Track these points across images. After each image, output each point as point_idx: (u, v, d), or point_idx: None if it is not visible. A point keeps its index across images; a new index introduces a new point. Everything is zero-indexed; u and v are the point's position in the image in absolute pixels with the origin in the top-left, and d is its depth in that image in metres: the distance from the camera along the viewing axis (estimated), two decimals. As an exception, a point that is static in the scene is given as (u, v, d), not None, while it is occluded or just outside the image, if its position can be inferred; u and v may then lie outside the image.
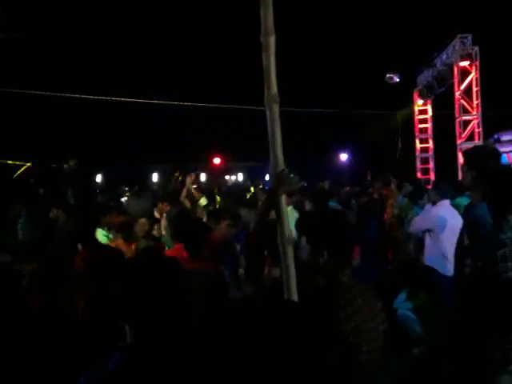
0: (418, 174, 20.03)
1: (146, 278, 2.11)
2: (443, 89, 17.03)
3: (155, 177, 34.46)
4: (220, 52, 26.87)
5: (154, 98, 22.03)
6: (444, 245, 6.10)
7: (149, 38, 25.29)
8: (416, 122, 20.52)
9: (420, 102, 20.06)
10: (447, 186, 6.56)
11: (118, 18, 24.23)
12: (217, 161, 33.56)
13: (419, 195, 8.30)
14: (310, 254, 2.56)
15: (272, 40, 2.89)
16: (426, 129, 20.42)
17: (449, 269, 6.09)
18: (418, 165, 20.43)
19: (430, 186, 9.79)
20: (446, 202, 6.30)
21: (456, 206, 6.27)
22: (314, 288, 2.57)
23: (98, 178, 34.70)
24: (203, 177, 35.95)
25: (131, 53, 27.06)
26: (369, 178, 18.63)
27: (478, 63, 14.90)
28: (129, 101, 21.15)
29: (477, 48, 14.89)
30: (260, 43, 2.92)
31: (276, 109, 2.98)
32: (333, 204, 8.61)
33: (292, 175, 5.91)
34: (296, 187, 2.48)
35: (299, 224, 2.83)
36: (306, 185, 15.01)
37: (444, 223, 6.09)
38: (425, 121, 20.39)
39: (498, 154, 3.86)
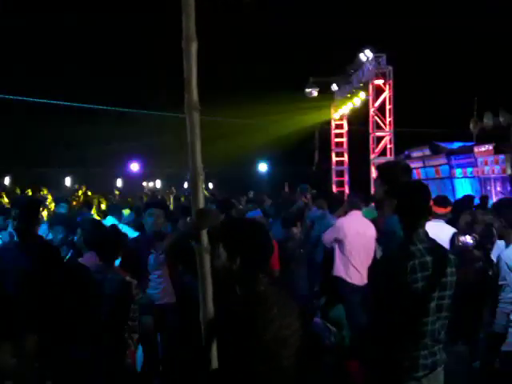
0: (334, 187, 20.62)
1: (47, 289, 2.00)
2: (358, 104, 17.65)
3: (68, 181, 33.20)
4: (142, 57, 26.47)
5: (71, 100, 21.27)
6: (351, 254, 6.27)
7: (62, 41, 24.53)
8: (332, 136, 21.14)
9: (336, 116, 20.69)
10: (358, 198, 6.78)
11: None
12: (135, 167, 32.91)
13: (336, 207, 8.50)
14: (225, 261, 2.56)
15: (194, 46, 2.85)
16: (341, 143, 21.09)
17: (355, 278, 6.28)
18: (334, 177, 21.04)
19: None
20: (357, 213, 6.48)
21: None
22: (230, 296, 2.55)
23: (6, 180, 32.98)
24: (119, 183, 35.10)
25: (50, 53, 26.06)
26: (286, 189, 18.98)
27: (391, 82, 15.57)
28: (44, 102, 20.28)
29: (391, 68, 15.56)
30: (181, 49, 2.88)
31: (196, 116, 2.95)
32: (256, 214, 8.62)
33: (213, 208, 5.90)
34: (217, 222, 2.49)
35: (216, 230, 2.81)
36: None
37: (350, 233, 6.26)
38: (341, 135, 21.06)
39: (410, 170, 4.03)
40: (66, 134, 27.46)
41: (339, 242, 6.37)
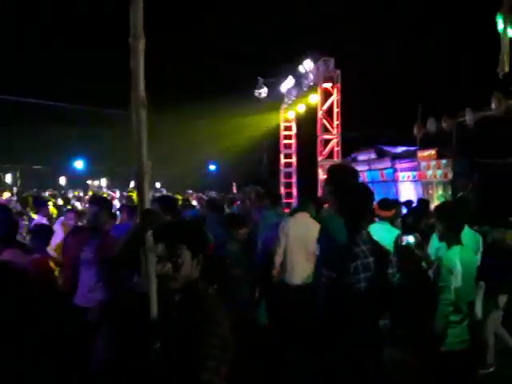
0: (282, 188, 20.79)
1: None
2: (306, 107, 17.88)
3: (8, 178, 32.08)
4: (87, 52, 25.85)
5: (16, 95, 20.57)
6: (292, 255, 6.31)
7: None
8: (281, 137, 21.31)
9: (285, 118, 20.87)
10: (306, 199, 6.84)
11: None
12: (79, 164, 32.15)
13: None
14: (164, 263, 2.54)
15: (141, 43, 2.82)
16: (290, 144, 21.30)
17: (289, 278, 6.34)
18: (282, 179, 21.20)
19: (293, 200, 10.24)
20: (303, 215, 6.55)
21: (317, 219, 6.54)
22: (174, 298, 2.53)
23: None
24: (63, 180, 34.18)
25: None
26: (234, 189, 19.02)
27: (339, 86, 15.83)
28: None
29: (339, 72, 15.82)
30: (129, 46, 2.84)
31: (143, 113, 2.91)
32: (192, 213, 8.56)
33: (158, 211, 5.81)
34: (161, 223, 2.50)
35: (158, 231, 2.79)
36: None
37: (292, 234, 6.31)
38: (289, 137, 21.26)
39: (357, 174, 4.13)
40: (7, 130, 26.51)
41: (281, 242, 6.40)
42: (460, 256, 4.31)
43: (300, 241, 6.22)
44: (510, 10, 4.15)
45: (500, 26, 4.37)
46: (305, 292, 6.09)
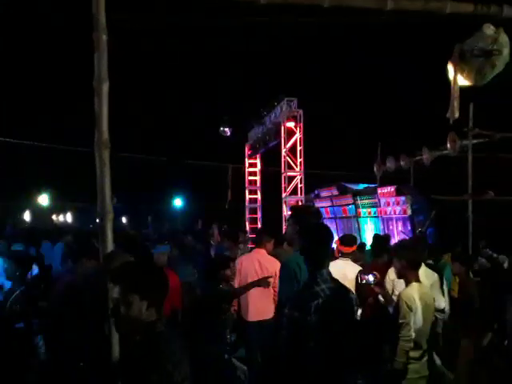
0: (247, 223, 20.79)
1: None
2: (271, 145, 18.08)
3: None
4: (54, 92, 25.72)
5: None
6: (248, 292, 6.24)
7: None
8: (246, 174, 21.43)
9: (250, 155, 21.04)
10: (261, 235, 6.85)
11: None
12: (44, 199, 31.50)
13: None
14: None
15: (105, 86, 2.84)
16: (255, 181, 21.42)
17: (253, 315, 6.25)
18: (247, 214, 21.23)
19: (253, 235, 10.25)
20: (259, 251, 6.50)
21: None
22: (134, 340, 2.48)
23: None
24: (27, 216, 33.39)
25: None
26: (199, 225, 18.90)
27: (301, 125, 16.10)
28: None
29: (301, 111, 16.12)
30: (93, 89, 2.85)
31: (106, 154, 2.92)
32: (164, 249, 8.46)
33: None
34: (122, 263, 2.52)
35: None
36: None
37: (246, 271, 6.30)
38: (254, 173, 21.40)
39: (320, 214, 4.21)
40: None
41: (234, 280, 6.34)
42: (418, 292, 4.37)
43: (255, 277, 6.18)
44: (460, 58, 4.32)
45: (450, 74, 4.54)
46: (262, 328, 6.05)
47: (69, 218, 37.73)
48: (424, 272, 5.29)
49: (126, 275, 2.55)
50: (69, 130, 23.86)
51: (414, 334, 4.23)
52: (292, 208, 4.01)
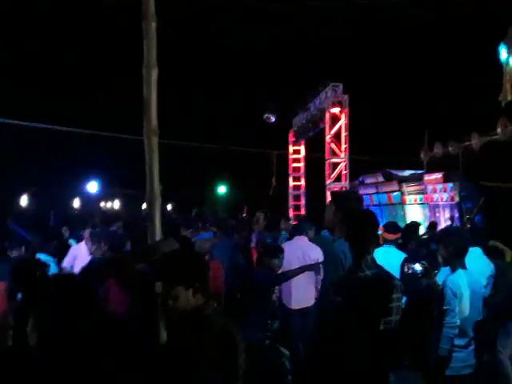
0: (291, 211, 20.79)
1: None
2: (316, 131, 17.97)
3: (24, 200, 32.32)
4: (100, 79, 26.23)
5: (28, 120, 20.80)
6: (291, 280, 6.21)
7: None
8: (290, 161, 21.40)
9: (294, 141, 20.98)
10: (302, 222, 6.85)
11: None
12: (93, 187, 32.32)
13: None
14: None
15: (154, 73, 2.90)
16: (298, 168, 21.36)
17: (296, 302, 6.24)
18: (291, 201, 21.22)
19: (295, 222, 10.21)
20: (300, 238, 6.55)
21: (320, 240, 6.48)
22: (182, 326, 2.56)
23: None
24: (77, 203, 34.34)
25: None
26: (245, 212, 19.01)
27: (347, 111, 15.91)
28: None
29: (347, 96, 15.92)
30: (142, 75, 2.92)
31: (155, 141, 2.99)
32: (207, 235, 8.58)
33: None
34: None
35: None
36: None
37: (288, 258, 6.14)
38: (298, 160, 21.33)
39: (362, 200, 4.17)
40: (20, 153, 26.85)
41: None
42: (465, 279, 4.30)
43: (297, 264, 6.16)
44: (513, 40, 4.18)
45: (503, 55, 4.39)
46: (305, 316, 6.05)
47: (116, 204, 38.58)
48: (479, 259, 5.19)
49: (167, 270, 2.61)
50: (117, 116, 24.33)
51: (459, 321, 4.17)
52: (332, 193, 3.96)
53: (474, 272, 4.61)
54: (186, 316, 2.52)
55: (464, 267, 4.39)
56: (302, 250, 6.31)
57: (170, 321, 2.64)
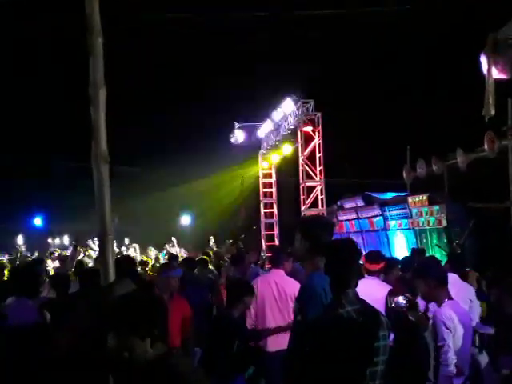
0: (263, 241, 20.71)
1: None
2: (286, 152, 18.06)
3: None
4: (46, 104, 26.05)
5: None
6: (265, 318, 6.19)
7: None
8: (261, 185, 21.33)
9: (264, 165, 21.00)
10: (280, 255, 6.82)
11: None
12: (38, 221, 31.79)
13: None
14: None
15: (102, 93, 2.87)
16: (270, 193, 21.33)
17: (271, 344, 6.13)
18: (263, 231, 21.11)
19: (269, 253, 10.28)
20: (277, 271, 6.49)
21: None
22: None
23: None
24: (20, 239, 33.60)
25: None
26: (211, 243, 18.91)
27: (320, 129, 16.02)
28: None
29: (319, 114, 16.05)
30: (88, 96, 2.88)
31: (105, 168, 2.93)
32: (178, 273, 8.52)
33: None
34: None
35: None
36: None
37: (263, 294, 6.22)
38: (269, 185, 21.31)
39: (331, 226, 4.11)
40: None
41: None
42: (455, 311, 4.31)
43: (271, 301, 6.14)
44: (494, 49, 4.29)
45: (484, 66, 4.51)
46: (282, 358, 5.97)
47: (66, 240, 37.92)
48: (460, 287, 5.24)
49: (119, 318, 2.52)
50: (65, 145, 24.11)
51: (455, 358, 4.16)
52: (299, 220, 3.91)
53: (459, 300, 4.66)
54: (145, 369, 2.44)
55: (450, 297, 4.42)
56: (276, 285, 6.26)
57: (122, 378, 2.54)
